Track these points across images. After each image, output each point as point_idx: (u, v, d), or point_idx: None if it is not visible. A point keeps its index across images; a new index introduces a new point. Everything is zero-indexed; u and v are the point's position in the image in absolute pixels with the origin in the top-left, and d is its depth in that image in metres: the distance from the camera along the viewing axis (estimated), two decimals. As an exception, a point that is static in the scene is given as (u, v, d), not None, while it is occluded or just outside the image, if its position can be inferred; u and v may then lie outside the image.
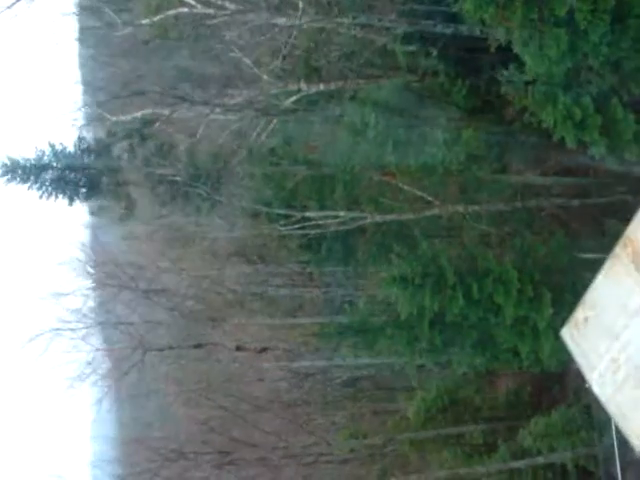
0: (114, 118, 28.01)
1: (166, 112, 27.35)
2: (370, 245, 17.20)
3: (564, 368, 22.79)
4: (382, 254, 17.54)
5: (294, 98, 25.48)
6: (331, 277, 21.17)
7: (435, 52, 20.10)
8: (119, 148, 18.35)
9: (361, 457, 26.63)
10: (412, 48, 22.12)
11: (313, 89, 25.60)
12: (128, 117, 28.24)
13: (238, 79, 27.38)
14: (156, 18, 26.13)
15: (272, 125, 24.73)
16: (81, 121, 29.82)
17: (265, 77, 25.47)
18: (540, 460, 20.82)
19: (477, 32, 21.07)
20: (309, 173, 16.92)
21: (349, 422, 27.47)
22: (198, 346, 24.01)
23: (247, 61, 26.53)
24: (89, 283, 30.30)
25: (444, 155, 16.63)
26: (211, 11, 25.32)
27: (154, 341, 24.87)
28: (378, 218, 16.73)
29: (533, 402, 24.70)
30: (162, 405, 26.87)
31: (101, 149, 17.75)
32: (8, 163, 17.90)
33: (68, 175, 17.42)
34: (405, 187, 16.42)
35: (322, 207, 16.80)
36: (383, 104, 19.46)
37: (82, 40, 67.38)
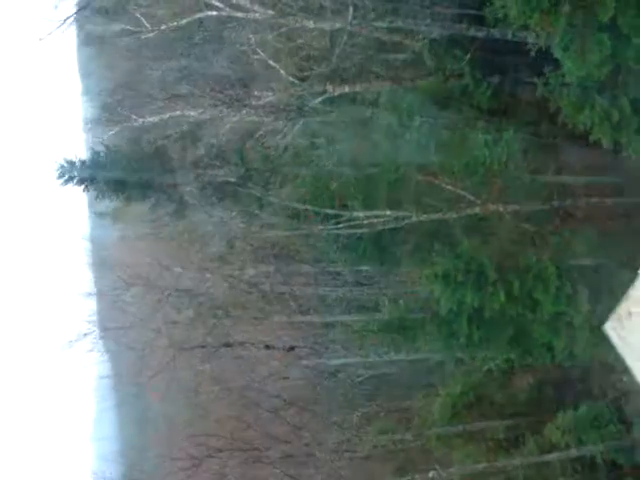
0: (140, 119, 28.48)
1: (193, 114, 27.96)
2: (412, 244, 17.65)
3: (586, 364, 23.40)
4: (423, 252, 18.03)
5: (320, 99, 26.07)
6: (360, 276, 21.62)
7: (468, 55, 20.64)
8: (171, 149, 18.63)
9: (381, 453, 27.07)
10: (440, 51, 22.74)
11: (338, 91, 26.22)
12: (154, 119, 28.69)
13: (263, 81, 27.94)
14: (184, 21, 26.66)
15: (299, 126, 25.30)
16: (107, 124, 30.13)
17: (290, 79, 26.05)
18: (569, 454, 21.36)
19: (509, 36, 21.72)
20: (353, 174, 17.37)
21: (368, 419, 27.92)
22: (228, 345, 24.31)
23: (272, 63, 27.08)
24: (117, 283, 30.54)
25: (485, 156, 17.17)
26: (239, 14, 25.93)
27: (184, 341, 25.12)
28: (423, 217, 17.23)
29: (555, 397, 25.23)
30: (191, 402, 27.03)
31: (154, 151, 18.02)
32: (65, 165, 18.15)
33: (122, 176, 17.68)
34: (447, 187, 16.92)
35: (365, 207, 17.29)
36: (417, 106, 19.96)
37: (87, 45, 67.51)
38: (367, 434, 22.87)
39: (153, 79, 43.10)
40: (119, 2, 46.67)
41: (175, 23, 26.41)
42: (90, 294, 77.01)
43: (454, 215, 17.54)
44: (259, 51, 27.26)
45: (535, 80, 25.47)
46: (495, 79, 24.54)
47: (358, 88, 26.29)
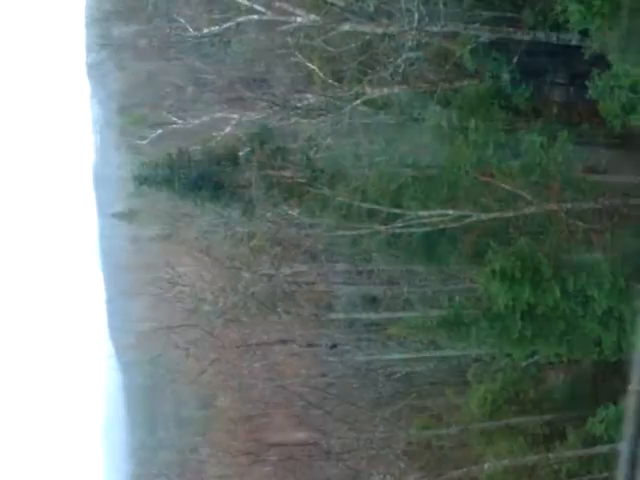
0: (180, 121, 28.90)
1: (235, 116, 28.37)
2: (469, 242, 18.17)
3: (622, 359, 23.91)
4: (479, 251, 18.54)
5: (358, 101, 26.56)
6: (411, 274, 22.12)
7: (515, 58, 21.21)
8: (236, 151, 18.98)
9: (414, 450, 27.55)
10: (484, 54, 23.27)
11: (376, 93, 26.72)
12: (196, 121, 29.09)
13: (301, 84, 28.40)
14: (226, 25, 27.10)
15: (344, 127, 25.76)
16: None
17: (330, 81, 26.52)
18: (613, 447, 21.82)
19: (553, 38, 22.28)
20: (413, 174, 17.87)
21: (403, 416, 28.41)
22: (283, 342, 24.68)
23: (311, 65, 27.57)
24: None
25: (542, 157, 17.71)
26: (282, 18, 26.39)
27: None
28: (482, 216, 17.78)
29: (590, 393, 25.79)
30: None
31: (226, 153, 18.42)
32: (142, 167, 18.52)
33: (197, 179, 18.07)
34: (505, 187, 17.46)
35: (425, 207, 17.80)
36: (468, 108, 20.49)
37: (96, 47, 67.59)
38: (410, 429, 23.40)
39: (179, 82, 43.56)
40: (140, 5, 47.17)
41: (217, 27, 26.97)
42: (101, 298, 77.01)
43: (511, 214, 18.14)
44: (297, 54, 27.91)
45: (561, 81, 26.17)
46: (534, 81, 25.24)
47: (396, 90, 26.90)
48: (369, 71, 26.14)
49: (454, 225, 17.72)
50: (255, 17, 25.48)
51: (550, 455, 22.51)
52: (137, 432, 73.24)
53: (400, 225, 17.48)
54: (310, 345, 25.31)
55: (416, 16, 19.89)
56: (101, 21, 68.60)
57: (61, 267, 77.03)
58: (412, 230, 17.82)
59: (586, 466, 22.83)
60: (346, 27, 21.51)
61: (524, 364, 24.98)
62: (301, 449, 23.96)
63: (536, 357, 24.81)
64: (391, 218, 17.87)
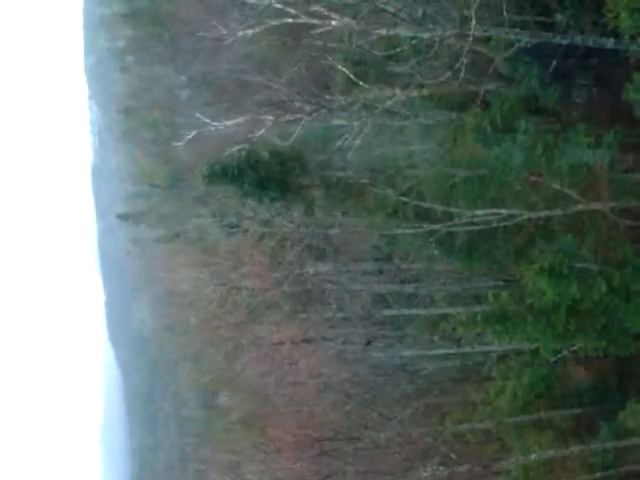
0: (215, 123, 29.19)
1: (270, 117, 28.73)
2: (520, 240, 18.76)
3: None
4: (526, 248, 19.11)
5: (390, 102, 27.05)
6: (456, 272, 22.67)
7: (554, 62, 21.79)
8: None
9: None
10: (521, 58, 23.84)
11: (405, 94, 27.22)
12: (229, 123, 29.41)
13: (332, 85, 28.84)
14: (260, 28, 27.46)
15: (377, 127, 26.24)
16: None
17: (361, 83, 26.98)
18: (647, 439, 22.49)
19: (590, 43, 22.91)
20: (465, 175, 18.44)
21: (429, 411, 28.94)
22: (307, 341, 25.11)
23: (342, 68, 28.02)
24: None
25: (589, 157, 18.31)
26: (316, 21, 26.82)
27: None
28: (532, 215, 18.35)
29: (619, 387, 26.44)
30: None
31: (291, 155, 18.81)
32: (216, 168, 18.86)
33: (264, 179, 18.43)
34: (553, 186, 18.03)
35: (476, 206, 18.37)
36: (512, 110, 21.07)
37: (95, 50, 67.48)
38: (448, 423, 23.96)
39: (192, 85, 43.81)
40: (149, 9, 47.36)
41: (252, 30, 27.33)
42: (100, 299, 76.64)
43: (559, 212, 18.72)
44: (329, 57, 28.35)
45: (584, 82, 26.81)
46: (560, 83, 25.88)
47: (425, 92, 27.44)
48: (401, 73, 26.80)
49: (506, 224, 18.36)
50: (290, 20, 25.93)
51: (583, 447, 23.14)
52: (136, 433, 73.36)
53: (455, 223, 18.08)
54: (345, 342, 25.84)
55: (458, 21, 20.47)
56: (103, 24, 68.74)
57: (60, 269, 77.28)
58: (466, 228, 18.46)
59: (621, 458, 23.48)
60: (382, 32, 21.99)
61: (553, 359, 25.66)
62: (346, 443, 24.39)
63: (565, 352, 25.52)
64: (445, 217, 18.50)
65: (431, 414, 26.70)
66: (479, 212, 18.33)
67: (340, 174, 19.22)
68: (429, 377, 28.45)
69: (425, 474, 21.09)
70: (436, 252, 19.07)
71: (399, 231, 19.10)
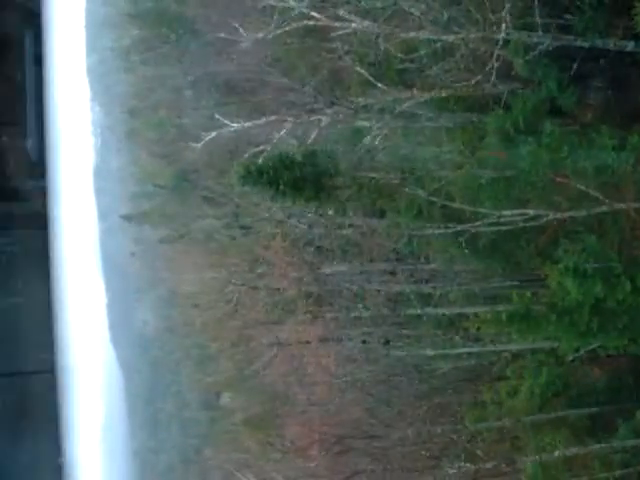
0: (235, 124, 29.41)
1: (290, 118, 28.96)
2: (545, 240, 19.04)
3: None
4: (550, 248, 19.39)
5: (407, 104, 27.33)
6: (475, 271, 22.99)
7: (574, 64, 22.08)
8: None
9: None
10: (541, 61, 24.15)
11: (425, 96, 27.51)
12: (249, 124, 29.62)
13: (350, 87, 29.09)
14: (280, 30, 27.70)
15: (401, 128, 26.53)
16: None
17: (380, 85, 27.26)
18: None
19: (611, 45, 23.24)
20: (492, 176, 18.72)
21: (446, 410, 29.22)
22: (326, 340, 25.31)
23: (360, 70, 28.31)
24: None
25: (614, 159, 18.62)
26: (337, 24, 27.09)
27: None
28: (558, 215, 18.64)
29: (635, 386, 26.78)
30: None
31: (325, 156, 19.03)
32: (252, 169, 19.01)
33: (299, 180, 18.62)
34: (579, 187, 18.33)
35: (502, 207, 18.66)
36: (531, 112, 21.38)
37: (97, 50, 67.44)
38: (467, 420, 24.24)
39: (201, 85, 43.95)
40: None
41: (272, 33, 27.57)
42: (102, 300, 76.74)
43: (584, 213, 19.02)
44: (347, 58, 28.63)
45: (600, 84, 27.15)
46: (578, 85, 26.20)
47: (444, 94, 27.73)
48: (419, 75, 27.10)
49: (532, 224, 18.64)
50: (311, 23, 26.21)
51: (602, 445, 23.42)
52: (138, 434, 73.31)
53: (483, 224, 18.38)
54: (364, 342, 26.13)
55: (482, 24, 20.79)
56: (106, 25, 68.72)
57: (61, 270, 76.91)
58: (493, 229, 18.75)
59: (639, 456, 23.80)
60: (408, 34, 22.26)
61: (570, 358, 25.96)
62: (369, 441, 24.65)
63: (582, 351, 25.83)
64: (472, 218, 18.78)
65: (445, 413, 26.99)
66: (507, 212, 18.69)
67: (371, 175, 19.49)
68: (444, 376, 28.76)
69: (452, 471, 21.41)
70: (466, 251, 19.35)
71: (429, 231, 19.37)
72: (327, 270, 30.56)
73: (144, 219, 53.81)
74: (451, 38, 21.23)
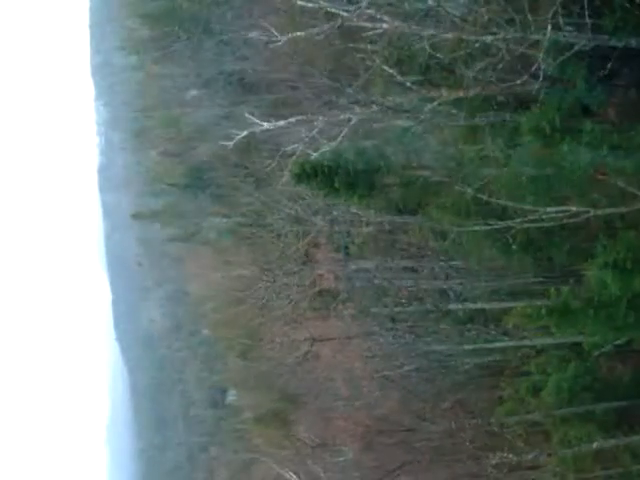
0: (265, 124, 29.65)
1: (321, 117, 29.21)
2: (585, 236, 19.44)
3: None
4: (589, 244, 19.79)
5: (435, 103, 27.65)
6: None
7: (609, 64, 22.46)
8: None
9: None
10: (560, 58, 24.51)
11: (453, 96, 27.84)
12: (282, 123, 29.87)
13: (377, 86, 29.38)
14: (312, 30, 27.96)
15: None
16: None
17: (408, 84, 27.56)
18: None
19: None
20: (533, 173, 19.10)
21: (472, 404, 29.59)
22: (368, 334, 25.59)
23: (388, 69, 28.59)
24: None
25: (651, 156, 19.05)
26: (368, 24, 27.39)
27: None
28: (598, 212, 19.07)
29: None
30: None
31: (376, 154, 19.30)
32: (307, 167, 19.28)
33: (354, 178, 18.96)
34: (618, 184, 18.75)
35: (544, 204, 19.03)
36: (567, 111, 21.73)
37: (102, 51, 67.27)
38: (497, 414, 24.63)
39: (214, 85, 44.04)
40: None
41: (303, 32, 27.83)
42: (107, 299, 76.41)
43: (623, 210, 19.43)
44: (376, 59, 28.93)
45: (622, 83, 27.53)
46: (604, 85, 26.59)
47: (471, 93, 28.06)
48: (447, 75, 27.43)
49: (575, 220, 19.05)
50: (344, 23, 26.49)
51: (634, 439, 23.84)
52: (144, 432, 73.41)
53: (527, 220, 18.78)
54: (394, 337, 26.46)
55: (519, 24, 21.14)
56: (112, 24, 68.65)
57: (66, 269, 77.19)
58: (536, 225, 19.15)
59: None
60: (445, 35, 22.58)
61: (596, 353, 26.38)
62: (407, 434, 24.99)
63: (609, 346, 26.26)
64: (515, 214, 19.19)
65: (474, 407, 27.39)
66: (550, 209, 19.09)
67: (419, 173, 19.85)
68: (468, 371, 29.13)
69: (494, 462, 21.79)
70: (513, 247, 19.77)
71: (470, 228, 19.76)
72: (353, 266, 30.91)
73: (155, 218, 54.01)
74: (489, 39, 21.61)
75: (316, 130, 28.80)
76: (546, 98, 22.63)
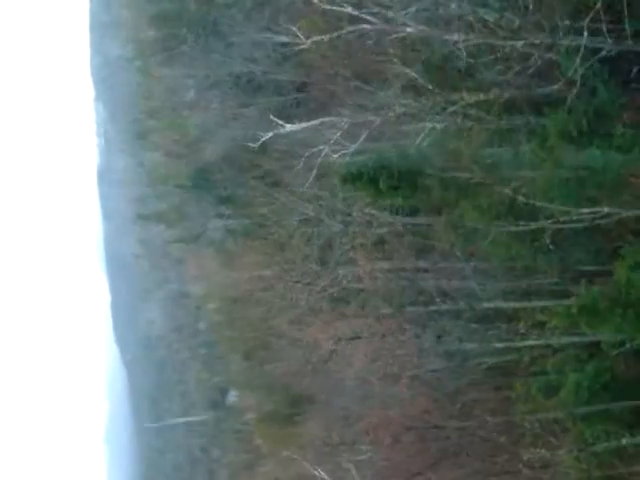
0: (288, 126, 29.89)
1: (345, 120, 29.49)
2: (616, 237, 19.83)
3: None
4: (617, 245, 20.20)
5: (456, 106, 28.01)
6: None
7: (636, 69, 22.88)
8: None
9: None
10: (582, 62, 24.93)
11: (473, 98, 28.22)
12: (306, 125, 30.10)
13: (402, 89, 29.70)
14: (337, 34, 28.27)
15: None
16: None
17: (430, 87, 27.91)
18: None
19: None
20: (566, 175, 19.47)
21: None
22: (385, 335, 25.94)
23: (410, 72, 28.91)
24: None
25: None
26: (390, 27, 27.72)
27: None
28: (630, 213, 19.47)
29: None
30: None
31: (419, 157, 19.62)
32: (353, 170, 19.54)
33: (398, 180, 19.27)
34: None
35: (577, 205, 19.42)
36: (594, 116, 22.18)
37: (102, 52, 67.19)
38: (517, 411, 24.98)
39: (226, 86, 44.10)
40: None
41: (328, 35, 28.12)
42: (106, 301, 76.15)
43: (655, 210, 19.94)
44: (396, 61, 29.26)
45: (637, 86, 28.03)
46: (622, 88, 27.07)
47: (491, 96, 28.46)
48: (468, 78, 27.82)
49: (606, 221, 19.45)
50: (367, 26, 26.80)
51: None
52: (143, 434, 73.27)
53: (562, 221, 19.16)
54: (417, 336, 26.80)
55: (548, 30, 21.52)
56: (113, 25, 68.52)
57: (66, 271, 76.92)
58: (571, 226, 19.53)
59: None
60: (476, 40, 22.92)
61: (614, 352, 26.79)
62: (437, 432, 25.33)
63: (627, 345, 26.69)
64: (549, 215, 19.56)
65: (492, 406, 27.74)
66: (584, 210, 19.45)
67: (457, 174, 20.22)
68: (487, 370, 29.47)
69: (528, 456, 22.17)
70: (550, 247, 20.16)
71: (511, 228, 20.15)
72: (369, 267, 31.20)
73: (160, 219, 54.08)
74: (520, 44, 22.01)
75: (340, 133, 29.27)
76: (572, 102, 23.12)
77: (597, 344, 27.41)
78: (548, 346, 30.18)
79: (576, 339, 28.43)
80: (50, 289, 65.15)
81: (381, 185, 19.45)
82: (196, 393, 67.86)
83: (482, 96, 27.76)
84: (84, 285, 65.63)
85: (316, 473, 21.29)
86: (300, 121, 29.22)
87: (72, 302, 65.19)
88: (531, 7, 21.59)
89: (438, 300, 26.45)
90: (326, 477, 21.31)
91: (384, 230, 33.48)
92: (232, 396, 67.64)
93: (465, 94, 27.51)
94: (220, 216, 49.53)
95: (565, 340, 28.66)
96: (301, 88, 44.21)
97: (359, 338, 25.86)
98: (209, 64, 45.95)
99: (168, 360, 66.01)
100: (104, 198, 69.31)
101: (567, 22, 22.41)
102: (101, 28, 69.20)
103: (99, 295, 65.41)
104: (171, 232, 53.05)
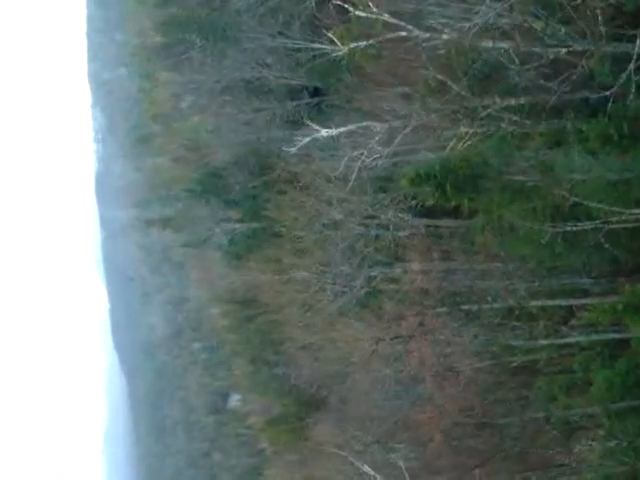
0: (324, 131, 30.21)
1: (379, 124, 29.91)
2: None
3: None
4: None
5: (489, 110, 28.55)
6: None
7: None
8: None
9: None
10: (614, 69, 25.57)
11: (505, 103, 28.79)
12: (342, 129, 30.45)
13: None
14: (372, 41, 28.70)
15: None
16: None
17: (463, 92, 28.43)
18: None
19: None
20: (614, 178, 20.07)
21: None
22: (421, 333, 26.34)
23: (441, 77, 29.39)
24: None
25: None
26: (427, 35, 28.20)
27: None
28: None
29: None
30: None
31: (481, 162, 20.11)
32: (421, 173, 19.92)
33: (461, 184, 19.76)
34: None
35: (625, 207, 19.99)
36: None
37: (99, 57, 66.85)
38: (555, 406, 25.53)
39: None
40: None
41: (364, 42, 28.54)
42: (104, 307, 76.04)
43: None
44: (429, 67, 29.75)
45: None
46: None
47: (522, 101, 29.08)
48: (498, 83, 28.41)
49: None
50: (404, 34, 27.28)
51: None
52: (143, 440, 73.07)
53: (611, 221, 19.75)
54: (454, 335, 27.26)
55: (590, 37, 22.12)
56: (112, 30, 68.33)
57: (63, 277, 76.54)
58: (623, 226, 20.14)
59: None
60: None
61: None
62: (486, 428, 25.77)
63: (656, 343, 27.37)
64: (598, 216, 20.15)
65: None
66: (636, 211, 20.07)
67: (515, 178, 20.74)
68: (515, 369, 30.04)
69: (579, 448, 22.69)
70: (606, 246, 20.78)
71: (567, 229, 20.66)
72: (398, 269, 31.70)
73: (164, 224, 54.10)
74: (563, 51, 22.62)
75: (378, 138, 29.74)
76: (612, 107, 23.77)
77: (626, 342, 28.19)
78: (571, 345, 30.94)
79: (603, 337, 29.18)
80: (48, 295, 64.92)
81: (447, 187, 19.97)
82: (197, 398, 67.92)
83: (513, 101, 28.56)
84: (83, 292, 65.48)
85: (363, 469, 21.60)
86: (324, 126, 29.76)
87: (70, 308, 65.01)
88: (574, 15, 22.22)
89: (474, 298, 27.01)
90: (372, 472, 21.65)
91: (413, 232, 34.06)
92: (234, 400, 67.70)
93: (498, 99, 28.20)
94: (229, 220, 49.74)
95: (594, 338, 29.36)
96: (314, 93, 44.63)
97: (400, 338, 26.30)
98: (219, 69, 46.18)
99: (168, 365, 65.95)
100: (102, 204, 69.22)
101: (606, 29, 23.14)
102: (99, 34, 69.07)
103: (97, 301, 65.30)
104: (176, 237, 53.08)
